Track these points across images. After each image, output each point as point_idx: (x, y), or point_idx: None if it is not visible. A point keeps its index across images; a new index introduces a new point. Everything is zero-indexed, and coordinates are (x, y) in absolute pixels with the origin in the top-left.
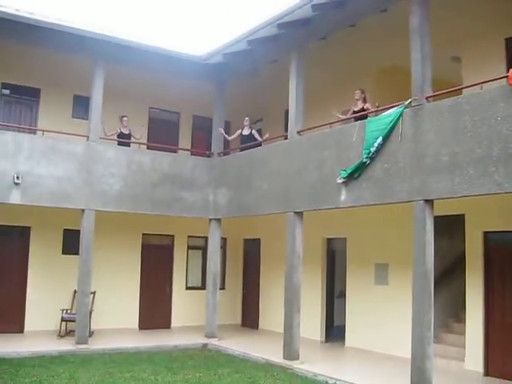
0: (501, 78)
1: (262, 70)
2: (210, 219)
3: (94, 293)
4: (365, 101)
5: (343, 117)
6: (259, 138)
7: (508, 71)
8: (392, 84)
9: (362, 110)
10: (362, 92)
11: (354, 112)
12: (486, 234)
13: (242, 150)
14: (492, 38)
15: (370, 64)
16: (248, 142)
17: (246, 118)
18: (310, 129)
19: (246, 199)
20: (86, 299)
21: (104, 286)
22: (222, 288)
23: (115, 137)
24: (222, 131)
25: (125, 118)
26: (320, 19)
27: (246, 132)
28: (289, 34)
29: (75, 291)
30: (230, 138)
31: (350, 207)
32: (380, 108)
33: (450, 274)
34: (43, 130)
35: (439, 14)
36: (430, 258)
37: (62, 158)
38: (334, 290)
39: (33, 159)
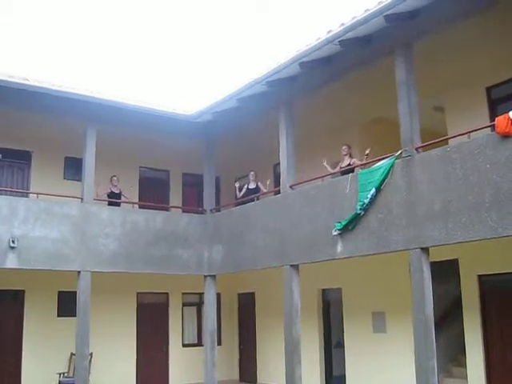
0: (487, 126)
1: (250, 125)
2: (205, 276)
3: (91, 354)
4: (351, 156)
5: (330, 169)
6: (264, 189)
7: (491, 119)
8: (379, 135)
9: (349, 165)
10: (349, 147)
11: (341, 168)
12: (480, 277)
13: (237, 205)
14: (473, 87)
15: (357, 116)
16: (253, 195)
17: (252, 173)
18: (302, 182)
19: (241, 255)
20: (85, 362)
21: (101, 347)
22: (219, 344)
23: (106, 197)
24: (237, 185)
25: (115, 178)
26: (307, 75)
27: (252, 186)
28: (277, 91)
29: (72, 354)
30: (239, 195)
31: (346, 258)
32: (367, 161)
33: (447, 318)
34: (37, 193)
35: (420, 64)
36: (430, 304)
37: (57, 220)
38: (332, 340)
39: (28, 222)
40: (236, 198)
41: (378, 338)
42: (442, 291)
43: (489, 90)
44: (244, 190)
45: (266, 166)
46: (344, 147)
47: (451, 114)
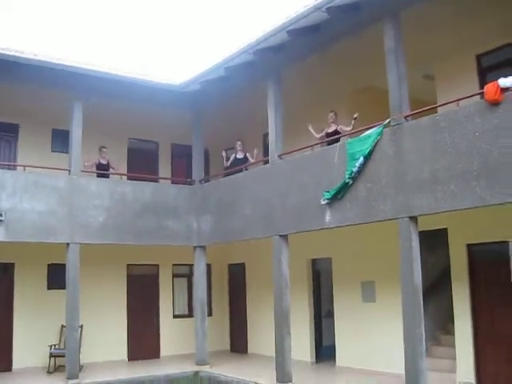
0: (476, 94)
1: (238, 95)
2: (195, 247)
3: (81, 326)
4: (337, 123)
5: (315, 133)
6: (252, 160)
7: (481, 87)
8: (368, 104)
9: (336, 131)
10: (335, 114)
11: (328, 133)
12: (469, 246)
13: (225, 175)
14: (463, 55)
15: (346, 85)
16: (241, 165)
17: (239, 142)
18: (290, 152)
19: (230, 225)
20: (75, 334)
21: (91, 319)
22: (210, 315)
23: (94, 168)
24: (224, 154)
25: (104, 149)
26: (295, 44)
27: (240, 156)
28: (265, 60)
29: (62, 326)
30: (227, 164)
31: (335, 228)
32: (357, 130)
33: (435, 287)
34: (24, 166)
35: (410, 33)
36: (418, 273)
37: (45, 192)
38: (322, 310)
39: (15, 195)
40: (224, 167)
41: (368, 307)
42: (431, 260)
43: (479, 57)
44: (231, 159)
45: (256, 136)
46: (330, 113)
47: (441, 82)
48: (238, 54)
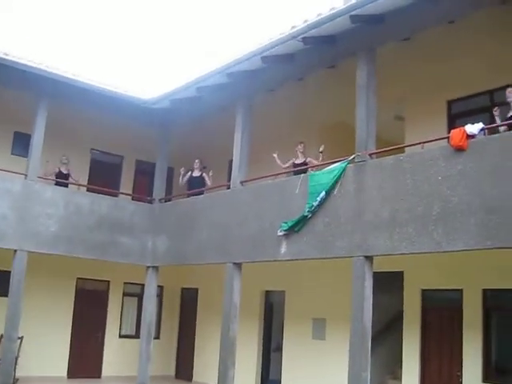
0: (443, 138)
1: (209, 117)
2: (148, 266)
3: (21, 338)
4: (305, 154)
5: (279, 162)
6: (208, 182)
7: (449, 132)
8: (338, 139)
9: (304, 163)
10: (304, 145)
11: (295, 164)
12: (424, 291)
13: (188, 196)
14: (435, 99)
15: (317, 118)
16: (197, 185)
17: (196, 161)
18: (253, 179)
19: (185, 248)
20: (13, 345)
21: (33, 330)
22: (157, 337)
23: (53, 176)
24: (182, 171)
25: (64, 158)
26: (269, 71)
27: (196, 174)
28: (237, 84)
29: (1, 336)
30: (182, 181)
31: (290, 260)
32: (322, 163)
33: (388, 330)
34: None
35: (385, 71)
36: (368, 314)
37: None
38: (271, 343)
39: None
40: (179, 184)
41: (317, 345)
42: (385, 302)
43: (450, 103)
44: (187, 176)
45: (222, 161)
46: (300, 145)
47: (411, 123)
48: (211, 74)
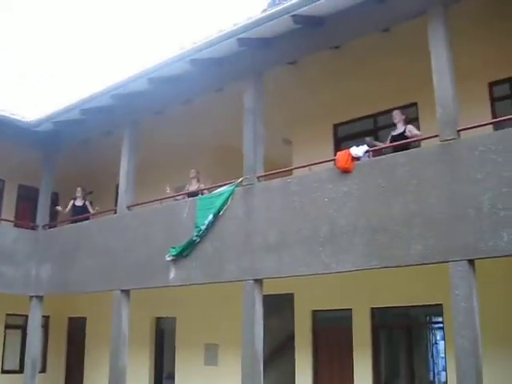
0: (329, 160)
1: (96, 141)
2: (31, 296)
3: None
4: (199, 180)
5: (171, 193)
6: (91, 210)
7: (335, 155)
8: (226, 163)
9: (198, 190)
10: (197, 172)
11: (189, 193)
12: (314, 312)
13: (72, 222)
14: (322, 122)
15: (206, 141)
16: (81, 214)
17: (78, 189)
18: (140, 204)
19: (71, 276)
20: None
21: None
22: (43, 371)
23: None
24: (58, 208)
25: None
26: (156, 93)
27: (78, 203)
28: (124, 106)
29: None
30: (65, 211)
31: (179, 286)
32: (213, 186)
33: (281, 352)
34: None
35: (273, 95)
36: (260, 338)
37: None
38: (163, 371)
39: None
40: (53, 215)
41: (209, 371)
42: (277, 325)
43: (336, 127)
44: (70, 206)
45: (109, 186)
46: (193, 170)
47: (298, 147)
48: (96, 96)
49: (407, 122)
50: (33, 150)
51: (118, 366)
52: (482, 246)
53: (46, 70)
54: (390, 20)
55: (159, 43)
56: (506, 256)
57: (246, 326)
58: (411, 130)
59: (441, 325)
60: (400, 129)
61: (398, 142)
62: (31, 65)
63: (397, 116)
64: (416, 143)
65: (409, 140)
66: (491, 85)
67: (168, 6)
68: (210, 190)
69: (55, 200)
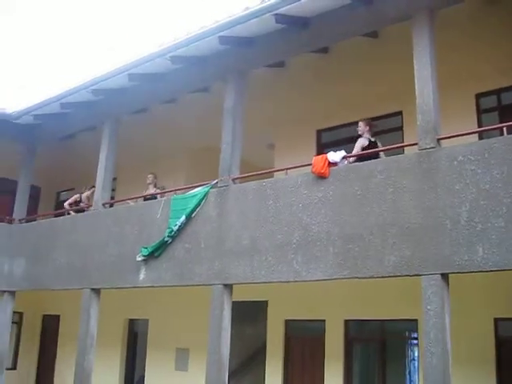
0: (306, 165)
1: (78, 135)
2: (3, 291)
3: None
4: (156, 185)
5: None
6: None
7: None
8: (206, 164)
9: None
10: (154, 176)
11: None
12: (287, 321)
13: (55, 216)
14: (305, 127)
15: (188, 141)
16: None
17: (149, 176)
18: (116, 201)
19: (43, 272)
20: None
21: None
22: (14, 368)
23: None
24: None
25: None
26: (137, 90)
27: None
28: (104, 101)
29: None
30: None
31: (148, 287)
32: (165, 191)
33: (253, 360)
34: None
35: (257, 97)
36: (226, 344)
37: None
38: (135, 375)
39: None
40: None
41: (179, 376)
42: (250, 332)
43: (319, 132)
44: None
45: (91, 181)
46: (150, 175)
47: (280, 151)
48: (75, 90)
49: (373, 133)
50: (13, 142)
51: (84, 367)
52: (456, 259)
53: (29, 63)
54: (375, 23)
55: (145, 40)
56: (481, 271)
57: (212, 332)
58: (362, 142)
59: (416, 341)
60: (365, 140)
61: (367, 151)
62: (13, 57)
63: (360, 128)
64: (400, 150)
65: (375, 150)
66: (478, 96)
67: (156, 2)
68: (162, 194)
69: (36, 194)
